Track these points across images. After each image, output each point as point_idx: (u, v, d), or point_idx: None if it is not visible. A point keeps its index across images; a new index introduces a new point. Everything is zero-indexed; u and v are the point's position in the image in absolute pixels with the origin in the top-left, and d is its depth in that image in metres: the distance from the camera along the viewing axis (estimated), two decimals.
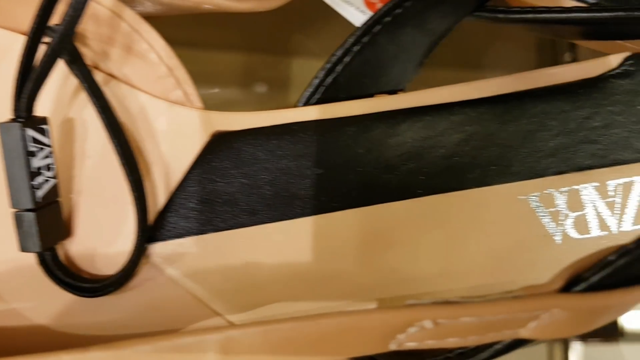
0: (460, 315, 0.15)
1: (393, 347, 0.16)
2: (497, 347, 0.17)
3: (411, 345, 0.16)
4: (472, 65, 0.34)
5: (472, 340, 0.16)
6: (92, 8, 0.21)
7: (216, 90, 0.32)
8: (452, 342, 0.16)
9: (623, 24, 0.20)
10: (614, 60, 0.23)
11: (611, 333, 0.44)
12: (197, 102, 0.22)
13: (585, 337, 0.44)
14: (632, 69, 0.23)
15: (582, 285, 0.15)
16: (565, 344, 0.44)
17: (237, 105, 0.32)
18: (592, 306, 0.14)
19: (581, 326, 0.15)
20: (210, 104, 0.22)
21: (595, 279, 0.15)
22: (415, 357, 0.18)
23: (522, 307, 0.14)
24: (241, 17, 0.23)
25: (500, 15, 0.21)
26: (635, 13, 0.19)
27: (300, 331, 0.16)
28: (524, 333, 0.15)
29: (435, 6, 0.21)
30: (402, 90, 0.23)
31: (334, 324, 0.15)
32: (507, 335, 0.16)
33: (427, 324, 0.15)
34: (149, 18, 0.23)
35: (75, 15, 0.18)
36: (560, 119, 0.22)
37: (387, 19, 0.21)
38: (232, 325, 0.17)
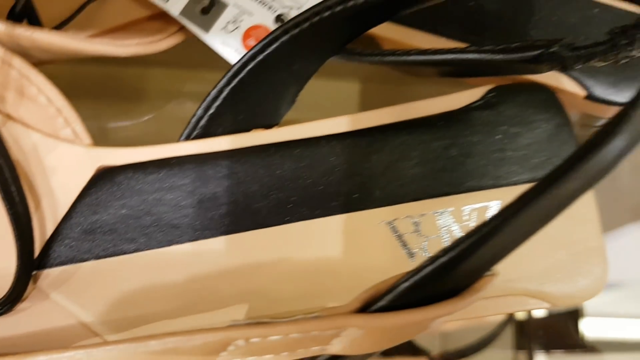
0: (268, 334, 0.17)
1: None
2: None
3: None
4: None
5: (285, 357, 0.17)
6: None
7: None
8: (268, 358, 0.17)
9: (466, 65, 0.22)
10: (477, 93, 0.25)
11: (574, 344, 0.45)
12: (86, 138, 0.24)
13: (548, 348, 0.45)
14: (493, 100, 0.25)
15: (374, 307, 0.17)
16: (529, 354, 0.45)
17: None
18: (382, 326, 0.16)
19: (380, 343, 0.17)
20: None
21: (384, 302, 0.16)
22: None
23: (319, 326, 0.16)
24: None
25: (356, 57, 0.23)
26: (462, 55, 0.21)
27: (135, 351, 0.17)
28: (331, 349, 0.17)
29: (298, 52, 0.23)
30: (277, 124, 0.25)
31: (161, 344, 0.17)
32: (315, 351, 0.17)
33: (241, 342, 0.17)
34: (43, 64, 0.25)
35: None
36: (420, 149, 0.24)
37: (253, 62, 0.23)
38: (77, 346, 0.18)
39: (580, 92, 0.26)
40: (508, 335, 0.45)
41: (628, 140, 0.15)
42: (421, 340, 0.42)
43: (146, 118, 0.34)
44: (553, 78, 0.26)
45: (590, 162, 0.15)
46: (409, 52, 0.22)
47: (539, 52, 0.20)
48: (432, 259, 0.16)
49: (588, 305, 0.45)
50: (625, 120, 0.14)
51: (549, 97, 0.25)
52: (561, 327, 0.46)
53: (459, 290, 0.17)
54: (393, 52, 0.22)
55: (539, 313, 0.45)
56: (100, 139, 0.25)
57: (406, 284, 0.16)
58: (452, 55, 0.21)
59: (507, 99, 0.25)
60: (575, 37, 0.26)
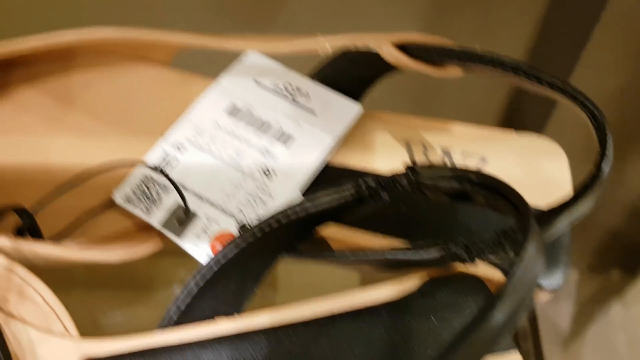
0: None
1: None
2: None
3: None
4: None
5: None
6: None
7: None
8: None
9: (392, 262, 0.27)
10: (415, 282, 0.29)
11: None
12: (73, 331, 0.28)
13: None
14: (428, 289, 0.29)
15: None
16: None
17: None
18: None
19: None
20: None
21: None
22: None
23: None
24: None
25: (302, 256, 0.28)
26: (383, 256, 0.25)
27: None
28: None
29: (253, 254, 0.28)
30: (239, 313, 0.29)
31: None
32: None
33: None
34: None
35: None
36: (366, 335, 0.28)
37: (217, 265, 0.27)
38: None
39: (504, 278, 0.30)
40: None
41: (506, 314, 0.18)
42: None
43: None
44: (479, 267, 0.30)
45: (471, 339, 0.18)
46: (342, 254, 0.26)
47: (441, 253, 0.24)
48: None
49: None
50: (501, 297, 0.18)
51: (477, 284, 0.29)
52: None
53: None
54: (332, 254, 0.27)
55: None
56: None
57: None
58: (376, 256, 0.25)
59: (440, 287, 0.29)
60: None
